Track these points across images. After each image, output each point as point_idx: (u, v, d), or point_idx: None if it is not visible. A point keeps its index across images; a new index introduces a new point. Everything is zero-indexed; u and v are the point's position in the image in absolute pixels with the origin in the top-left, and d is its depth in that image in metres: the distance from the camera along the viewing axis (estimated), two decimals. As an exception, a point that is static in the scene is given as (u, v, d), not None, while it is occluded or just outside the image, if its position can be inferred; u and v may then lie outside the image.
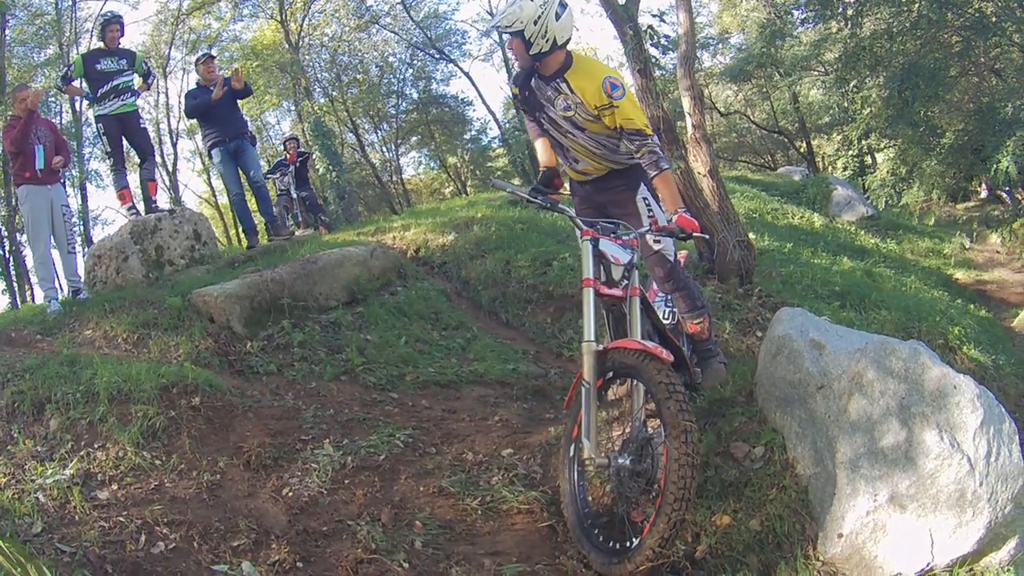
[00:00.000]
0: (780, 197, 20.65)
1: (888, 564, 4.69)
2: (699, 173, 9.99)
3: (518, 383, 7.65)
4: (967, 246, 22.46)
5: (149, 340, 7.91)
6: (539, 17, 5.46)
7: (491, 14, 43.33)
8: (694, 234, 5.51)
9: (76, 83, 11.70)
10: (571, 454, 5.22)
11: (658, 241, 6.10)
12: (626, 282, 5.30)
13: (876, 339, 5.28)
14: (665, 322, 6.12)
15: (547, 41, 5.54)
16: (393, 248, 11.65)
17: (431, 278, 10.83)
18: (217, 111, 12.31)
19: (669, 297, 6.46)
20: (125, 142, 11.75)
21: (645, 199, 6.18)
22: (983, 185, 29.21)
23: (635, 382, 5.12)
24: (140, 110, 12.15)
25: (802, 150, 39.31)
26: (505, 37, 6.27)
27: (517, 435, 6.53)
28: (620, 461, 4.89)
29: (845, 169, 33.74)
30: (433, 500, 5.58)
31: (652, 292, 6.44)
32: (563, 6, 5.57)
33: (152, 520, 5.02)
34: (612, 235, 5.38)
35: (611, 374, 5.17)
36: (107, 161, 12.47)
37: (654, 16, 16.66)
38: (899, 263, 16.96)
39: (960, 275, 18.91)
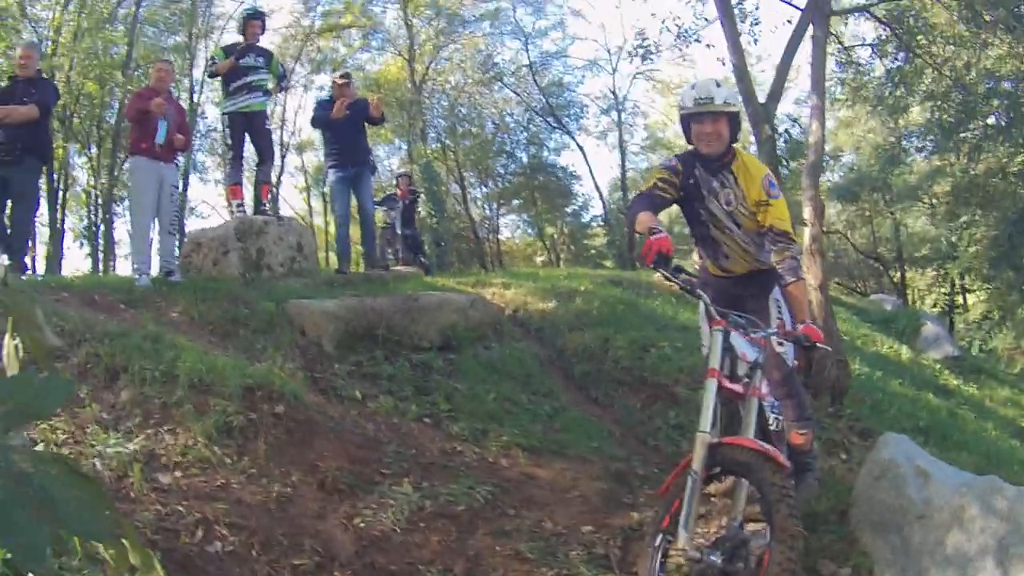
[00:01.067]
0: (870, 324, 20.35)
1: None
2: (810, 285, 9.82)
3: (600, 462, 7.39)
4: None
5: (235, 337, 7.85)
6: (726, 92, 5.72)
7: (614, 94, 43.76)
8: (817, 344, 5.49)
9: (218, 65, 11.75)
10: (656, 543, 4.99)
11: (781, 344, 6.02)
12: (748, 380, 5.20)
13: (983, 477, 5.19)
14: (771, 428, 5.96)
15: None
16: (492, 304, 11.50)
17: (526, 340, 10.65)
18: (345, 134, 12.37)
19: (776, 403, 6.20)
20: (248, 141, 11.77)
21: (777, 301, 6.17)
22: None
23: (742, 481, 4.96)
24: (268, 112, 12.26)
25: (895, 280, 38.90)
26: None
27: (597, 514, 6.28)
28: (711, 558, 4.69)
29: (934, 305, 33.44)
30: (508, 562, 5.36)
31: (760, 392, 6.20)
32: None
33: (213, 517, 4.88)
34: (742, 330, 5.29)
35: (718, 469, 5.02)
36: (227, 155, 12.58)
37: (791, 120, 16.65)
38: (978, 407, 16.62)
39: None
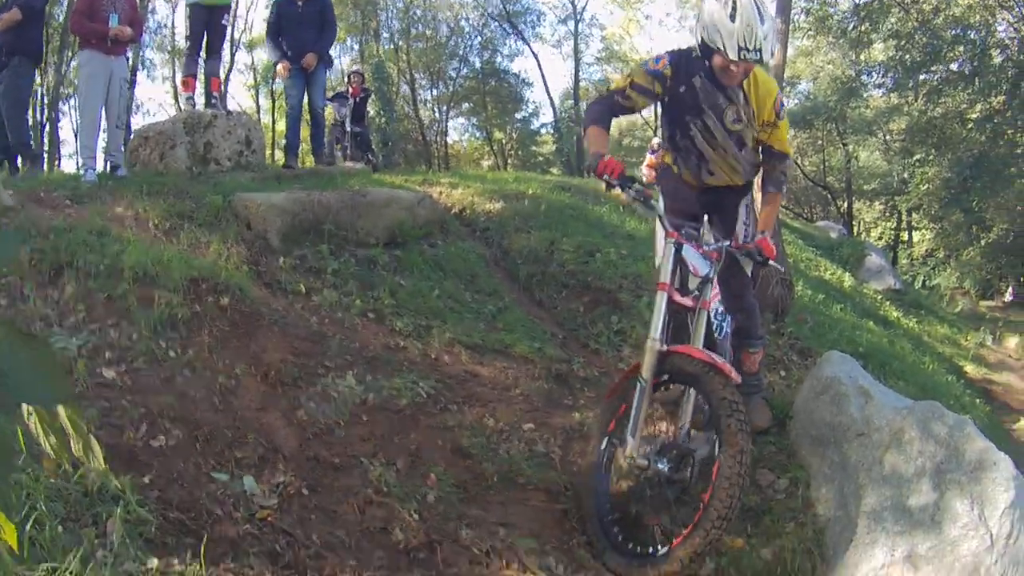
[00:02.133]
0: (815, 249, 20.47)
1: (891, 621, 4.61)
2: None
3: (542, 363, 7.36)
4: (987, 343, 22.39)
5: (181, 232, 7.68)
6: (771, 33, 5.03)
7: (572, 3, 43.33)
8: (769, 261, 5.27)
9: None
10: (602, 446, 5.04)
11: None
12: (698, 293, 5.12)
13: (925, 402, 5.21)
14: (716, 337, 5.96)
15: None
16: (439, 203, 11.37)
17: (472, 240, 10.56)
18: (301, 28, 12.05)
19: (721, 312, 6.17)
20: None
21: (747, 207, 6.02)
22: (1011, 289, 29.13)
23: (689, 390, 4.96)
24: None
25: (842, 210, 39.11)
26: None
27: (539, 413, 6.29)
28: (659, 466, 4.73)
29: (880, 238, 33.70)
30: (450, 457, 5.37)
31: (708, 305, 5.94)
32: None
33: (157, 411, 4.76)
34: (696, 243, 5.22)
35: (667, 377, 4.99)
36: (184, 46, 12.44)
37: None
38: (917, 341, 16.85)
39: (970, 369, 18.82)
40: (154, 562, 3.34)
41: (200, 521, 3.90)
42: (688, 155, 5.71)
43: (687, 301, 5.06)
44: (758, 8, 4.85)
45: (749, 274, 5.95)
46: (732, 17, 4.83)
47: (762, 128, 5.38)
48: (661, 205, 5.89)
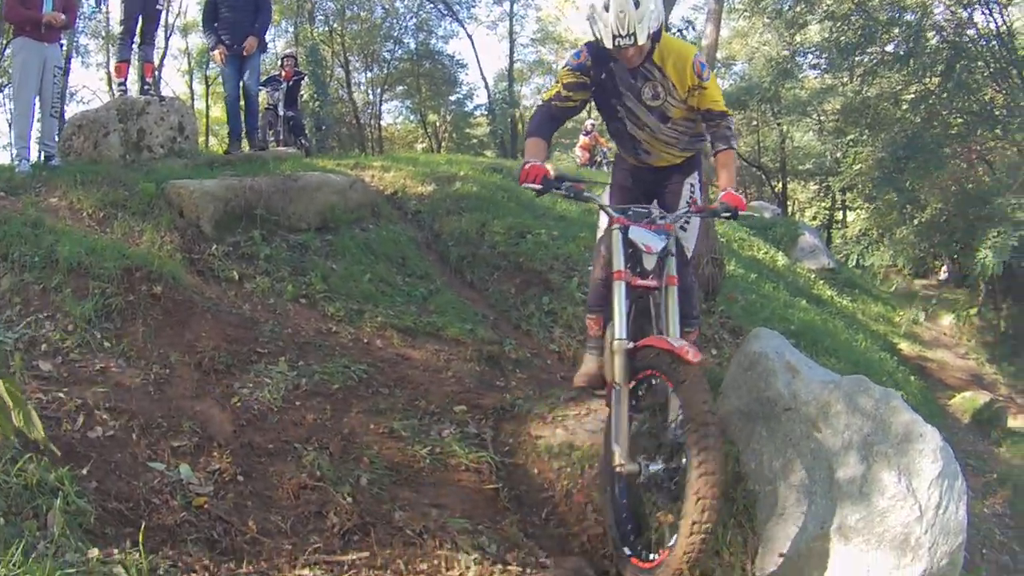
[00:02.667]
0: (749, 229, 20.58)
1: (821, 591, 4.68)
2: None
3: (474, 345, 7.42)
4: (920, 321, 22.70)
5: (115, 221, 7.64)
6: (647, 15, 4.85)
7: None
8: (740, 213, 5.17)
9: None
10: (606, 456, 4.92)
11: (683, 229, 5.65)
12: (661, 271, 4.92)
13: (851, 377, 5.24)
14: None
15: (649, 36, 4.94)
16: (371, 186, 11.36)
17: (404, 224, 10.57)
18: (236, 12, 11.88)
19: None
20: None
21: (692, 185, 5.85)
22: (945, 267, 29.50)
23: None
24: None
25: (777, 189, 39.26)
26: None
27: (470, 395, 6.34)
28: (651, 468, 4.62)
29: (814, 218, 33.89)
30: (382, 440, 5.40)
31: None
32: None
33: (93, 403, 4.80)
34: (645, 220, 4.97)
35: (647, 373, 4.77)
36: (117, 30, 12.23)
37: (686, 22, 16.53)
38: (850, 320, 17.07)
39: (905, 347, 19.11)
40: (94, 552, 3.36)
41: (138, 510, 3.93)
42: (623, 139, 5.71)
43: (651, 282, 4.89)
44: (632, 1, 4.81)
45: (690, 254, 5.85)
46: (607, 7, 4.84)
47: (689, 95, 5.26)
48: (606, 195, 5.90)
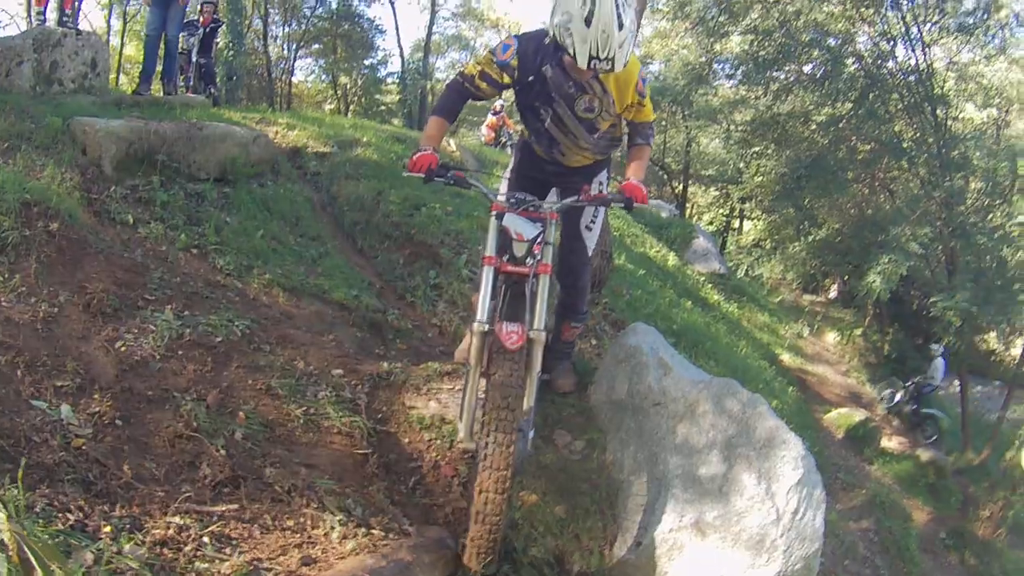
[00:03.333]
0: (643, 226, 20.77)
1: (675, 583, 4.82)
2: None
3: (357, 311, 7.50)
4: (804, 335, 23.23)
5: (18, 153, 7.50)
6: (628, 38, 4.58)
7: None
8: (635, 204, 4.91)
9: None
10: None
11: (589, 228, 5.80)
12: (532, 260, 4.71)
13: (722, 379, 5.40)
14: None
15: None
16: (274, 143, 11.31)
17: (302, 183, 10.57)
18: None
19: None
20: None
21: (600, 183, 5.84)
22: (836, 286, 30.15)
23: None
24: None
25: (677, 191, 39.62)
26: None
27: (349, 359, 6.40)
28: None
29: (711, 223, 34.37)
30: (259, 396, 5.44)
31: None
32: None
33: (-20, 337, 4.74)
34: (524, 207, 4.80)
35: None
36: None
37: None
38: (735, 326, 17.40)
39: (787, 358, 19.64)
40: (-28, 486, 3.38)
41: (19, 447, 3.94)
42: (540, 135, 5.51)
43: (521, 269, 4.69)
44: (618, 13, 4.45)
45: (590, 252, 5.90)
46: (588, 21, 4.44)
47: (626, 111, 5.22)
48: (504, 180, 5.97)
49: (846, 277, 26.24)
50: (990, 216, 18.36)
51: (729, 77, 26.89)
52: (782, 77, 21.87)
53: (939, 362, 21.12)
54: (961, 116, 21.00)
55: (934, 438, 20.03)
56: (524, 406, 4.61)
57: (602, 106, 5.18)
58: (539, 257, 4.76)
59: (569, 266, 5.87)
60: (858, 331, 24.59)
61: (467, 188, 5.01)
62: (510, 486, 4.21)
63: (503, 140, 25.78)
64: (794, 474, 4.84)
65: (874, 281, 17.84)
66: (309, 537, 4.30)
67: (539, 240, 4.74)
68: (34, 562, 2.35)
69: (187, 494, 4.23)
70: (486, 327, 4.59)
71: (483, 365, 4.72)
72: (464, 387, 4.83)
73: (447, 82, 5.75)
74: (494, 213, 4.84)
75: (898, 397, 20.85)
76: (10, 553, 2.35)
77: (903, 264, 17.66)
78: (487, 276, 4.67)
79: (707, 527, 4.77)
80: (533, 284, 4.78)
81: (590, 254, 5.90)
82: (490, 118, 27.01)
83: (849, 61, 20.32)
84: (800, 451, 4.93)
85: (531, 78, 5.14)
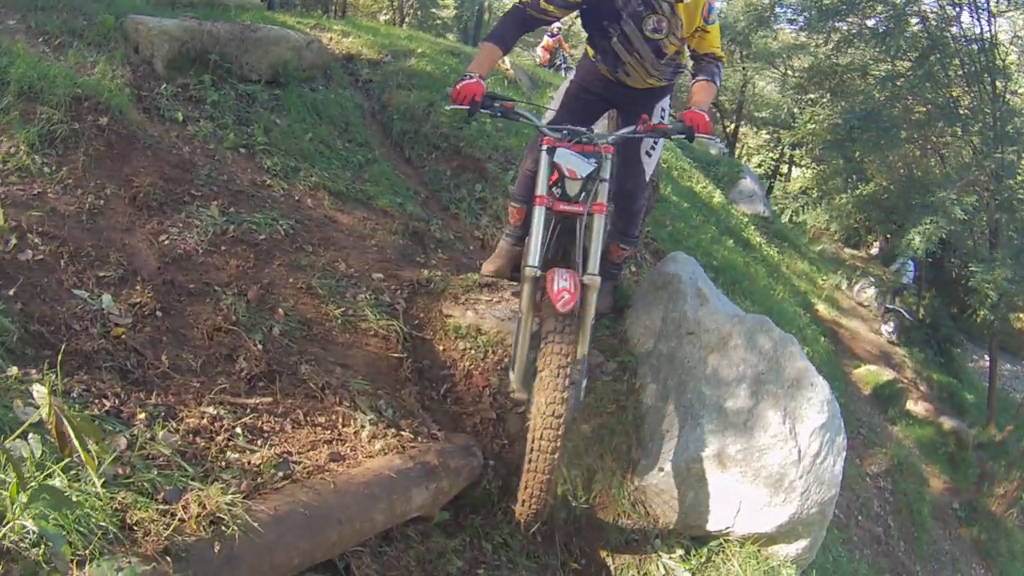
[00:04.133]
0: (692, 160, 20.40)
1: (693, 512, 4.86)
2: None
3: (401, 219, 7.43)
4: (842, 287, 22.94)
5: (70, 49, 7.41)
6: None
7: None
8: (699, 135, 4.60)
9: None
10: None
11: (648, 154, 5.47)
12: (585, 196, 4.41)
13: (757, 316, 5.36)
14: None
15: None
16: (328, 49, 11.18)
17: (353, 90, 10.44)
18: None
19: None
20: None
21: (663, 108, 5.60)
22: (878, 243, 29.68)
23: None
24: None
25: (729, 130, 39.01)
26: None
27: (390, 265, 6.37)
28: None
29: (759, 166, 33.76)
30: (299, 295, 5.44)
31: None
32: None
33: (27, 226, 4.76)
34: (578, 141, 4.46)
35: None
36: None
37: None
38: (774, 270, 17.18)
39: (822, 309, 19.34)
40: (13, 370, 3.37)
41: (59, 335, 3.97)
42: (606, 53, 5.26)
43: (575, 208, 4.40)
44: None
45: (648, 177, 5.58)
46: None
47: (691, 36, 4.93)
48: (556, 100, 5.77)
49: (888, 235, 25.78)
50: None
51: (791, 22, 26.10)
52: (844, 28, 21.26)
53: (910, 265, 21.00)
54: (1020, 92, 20.36)
55: (893, 334, 20.28)
56: (578, 354, 4.34)
57: (670, 27, 4.90)
58: (594, 195, 4.43)
59: (626, 190, 5.48)
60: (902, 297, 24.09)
61: (515, 119, 4.68)
62: (562, 444, 4.04)
63: (558, 63, 25.32)
64: (819, 417, 4.82)
65: (914, 239, 17.51)
66: (339, 434, 4.31)
67: (594, 177, 4.41)
68: (72, 436, 2.33)
69: (222, 386, 4.27)
70: (538, 272, 4.30)
71: (535, 312, 4.46)
72: (515, 334, 4.55)
73: (508, 7, 5.35)
74: (545, 147, 4.47)
75: (872, 291, 21.09)
76: (49, 426, 2.33)
77: (944, 227, 17.32)
78: (538, 217, 4.36)
79: (729, 460, 4.75)
80: (587, 223, 4.43)
81: (648, 179, 5.61)
82: (547, 40, 26.60)
83: (913, 20, 19.62)
84: (827, 395, 4.91)
85: None
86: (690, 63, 5.26)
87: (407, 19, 42.61)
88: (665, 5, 4.79)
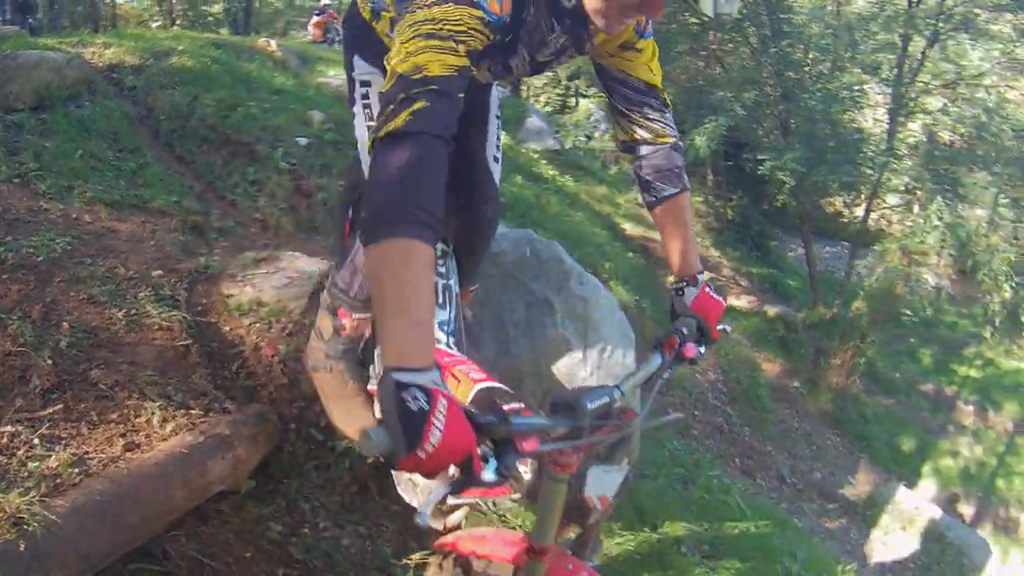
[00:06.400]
0: None
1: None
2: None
3: (179, 216, 7.42)
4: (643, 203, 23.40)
5: None
6: None
7: None
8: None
9: None
10: None
11: (497, 159, 4.43)
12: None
13: (520, 230, 5.50)
14: None
15: None
16: (91, 63, 10.92)
17: (119, 100, 10.22)
18: None
19: None
20: None
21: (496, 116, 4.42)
22: None
23: None
24: None
25: None
26: None
27: (169, 260, 6.38)
28: None
29: (546, 104, 33.99)
30: (82, 306, 5.40)
31: None
32: None
33: None
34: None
35: None
36: None
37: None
38: (573, 199, 17.38)
39: (628, 227, 19.60)
40: None
41: None
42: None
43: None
44: None
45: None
46: None
47: (609, 55, 3.35)
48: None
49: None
50: (822, 83, 18.47)
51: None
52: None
53: None
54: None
55: None
56: None
57: (569, 54, 3.31)
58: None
59: (485, 217, 4.32)
60: (698, 199, 24.49)
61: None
62: None
63: (331, 37, 24.66)
64: (596, 313, 4.93)
65: (695, 140, 17.98)
66: (133, 426, 4.41)
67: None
68: None
69: (19, 405, 4.29)
70: None
71: None
72: None
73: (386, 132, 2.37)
74: (555, 475, 2.34)
75: None
76: None
77: (723, 125, 17.82)
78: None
79: (519, 372, 4.77)
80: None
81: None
82: (315, 18, 25.97)
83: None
84: (602, 293, 5.02)
85: (508, 37, 2.98)
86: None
87: (178, 21, 41.32)
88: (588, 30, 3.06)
